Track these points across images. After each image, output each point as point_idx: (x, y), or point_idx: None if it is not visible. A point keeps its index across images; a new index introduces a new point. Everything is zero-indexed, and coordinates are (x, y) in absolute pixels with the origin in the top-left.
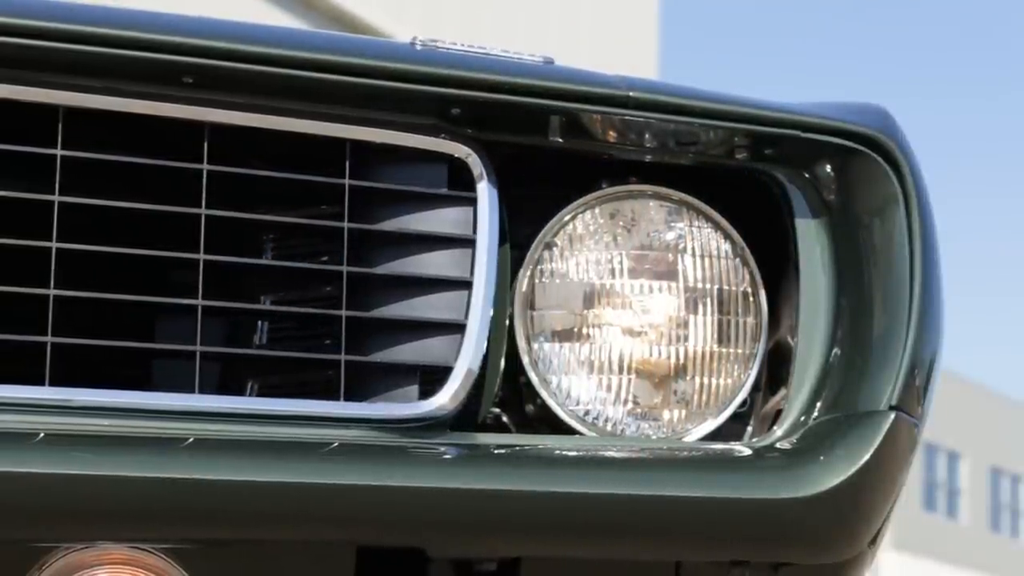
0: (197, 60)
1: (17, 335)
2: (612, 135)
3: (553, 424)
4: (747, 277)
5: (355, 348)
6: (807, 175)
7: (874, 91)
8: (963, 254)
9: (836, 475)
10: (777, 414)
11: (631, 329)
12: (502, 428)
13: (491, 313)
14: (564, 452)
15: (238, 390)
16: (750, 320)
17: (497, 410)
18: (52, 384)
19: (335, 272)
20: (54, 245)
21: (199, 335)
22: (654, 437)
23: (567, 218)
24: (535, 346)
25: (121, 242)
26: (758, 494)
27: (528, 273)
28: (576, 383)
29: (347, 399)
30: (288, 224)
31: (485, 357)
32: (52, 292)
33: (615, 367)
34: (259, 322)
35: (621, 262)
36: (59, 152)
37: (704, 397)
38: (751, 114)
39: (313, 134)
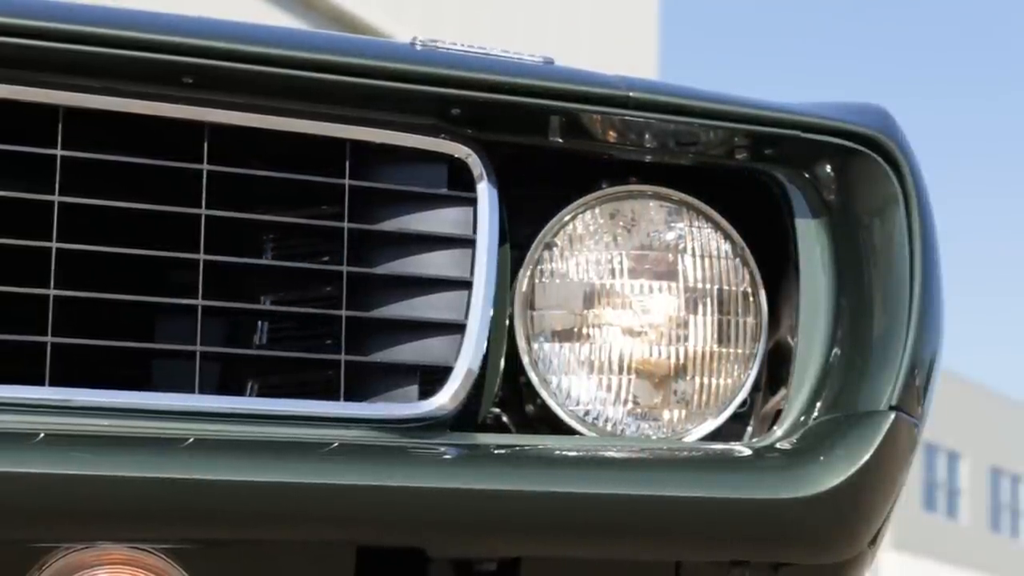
0: (197, 60)
1: (17, 335)
2: (612, 135)
3: (553, 424)
4: (747, 277)
5: (355, 348)
6: (807, 175)
7: (874, 91)
8: (963, 254)
9: (836, 475)
10: (777, 414)
11: (631, 329)
12: (502, 428)
13: (491, 313)
14: (564, 452)
15: (238, 390)
16: (750, 320)
17: (497, 410)
18: (52, 384)
19: (335, 272)
20: (54, 245)
21: (199, 335)
22: (654, 437)
23: (567, 218)
24: (535, 346)
25: (121, 242)
26: (758, 494)
27: (528, 273)
28: (576, 383)
29: (347, 399)
30: (288, 224)
31: (485, 357)
32: (52, 292)
33: (615, 367)
34: (259, 322)
35: (621, 262)
36: (59, 152)
37: (704, 397)
38: (751, 114)
39: (313, 134)
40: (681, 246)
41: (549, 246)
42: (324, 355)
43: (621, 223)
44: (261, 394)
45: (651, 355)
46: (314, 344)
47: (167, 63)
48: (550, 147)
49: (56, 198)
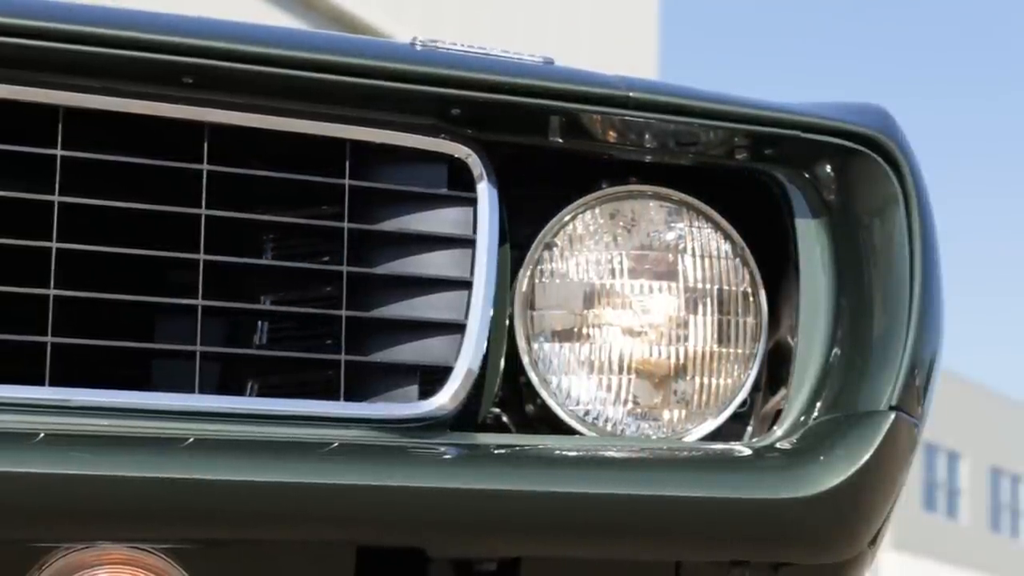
0: (197, 60)
1: (17, 335)
2: (612, 135)
3: (553, 424)
4: (747, 277)
5: (355, 348)
6: (807, 175)
7: (874, 91)
8: (963, 254)
9: (836, 475)
10: (777, 414)
11: (631, 329)
12: (502, 428)
13: (491, 313)
14: (564, 452)
15: (238, 390)
16: (750, 320)
17: (497, 410)
18: (52, 384)
19: (335, 272)
20: (54, 245)
21: (199, 335)
22: (654, 437)
23: (567, 218)
24: (535, 346)
25: (121, 242)
26: (758, 494)
27: (528, 273)
28: (576, 383)
29: (347, 399)
30: (288, 224)
31: (485, 357)
32: (52, 292)
33: (615, 367)
34: (259, 322)
35: (621, 262)
36: (59, 152)
37: (704, 397)
38: (751, 114)
39: (313, 134)
40: (681, 246)
41: (549, 246)
42: (324, 355)
43: (621, 223)
44: (261, 394)
45: (651, 355)
46: (314, 344)
47: (167, 63)
48: (550, 147)
49: (56, 198)
